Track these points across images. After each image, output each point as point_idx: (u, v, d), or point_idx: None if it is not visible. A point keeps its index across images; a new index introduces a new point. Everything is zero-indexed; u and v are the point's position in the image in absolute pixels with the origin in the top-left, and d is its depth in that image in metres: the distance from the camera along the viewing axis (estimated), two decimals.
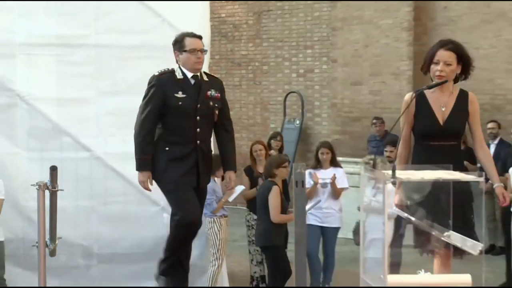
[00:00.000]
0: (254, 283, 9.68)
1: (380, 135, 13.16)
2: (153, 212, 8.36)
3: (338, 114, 15.31)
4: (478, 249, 4.36)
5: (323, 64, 16.12)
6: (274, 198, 8.52)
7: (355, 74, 14.95)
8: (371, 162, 8.48)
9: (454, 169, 4.85)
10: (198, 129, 6.14)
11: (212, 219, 8.55)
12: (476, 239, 4.72)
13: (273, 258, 8.58)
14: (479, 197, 4.73)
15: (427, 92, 5.22)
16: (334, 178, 9.16)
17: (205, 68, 8.78)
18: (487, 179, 11.82)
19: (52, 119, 8.17)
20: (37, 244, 6.94)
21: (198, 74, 6.32)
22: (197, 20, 8.69)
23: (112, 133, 8.27)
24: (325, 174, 9.27)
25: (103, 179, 8.21)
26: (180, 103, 6.13)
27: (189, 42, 6.33)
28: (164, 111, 6.23)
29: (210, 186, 8.50)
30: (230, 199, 8.91)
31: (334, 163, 9.46)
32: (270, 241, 8.58)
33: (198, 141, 6.15)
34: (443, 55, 5.14)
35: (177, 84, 6.20)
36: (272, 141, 11.16)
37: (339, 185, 9.25)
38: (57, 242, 6.95)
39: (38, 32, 8.15)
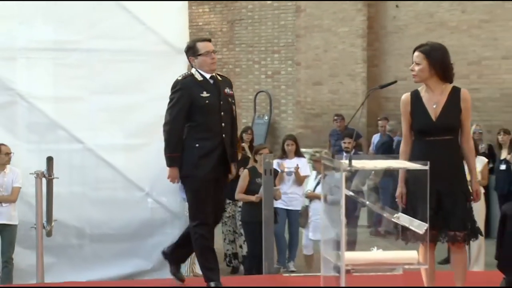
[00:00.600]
0: (227, 259, 9.67)
1: (341, 130, 13.16)
2: (138, 197, 8.32)
3: (302, 110, 15.32)
4: (424, 229, 4.34)
5: (289, 66, 16.11)
6: (241, 180, 8.73)
7: (316, 76, 14.95)
8: (317, 155, 8.56)
9: (450, 162, 4.81)
10: (223, 124, 5.88)
11: None
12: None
13: (252, 232, 8.55)
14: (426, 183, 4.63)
15: (421, 92, 5.10)
16: (297, 167, 9.18)
17: (183, 70, 8.77)
18: None
19: (49, 115, 8.09)
20: (35, 226, 6.89)
21: (214, 74, 6.08)
22: (177, 28, 8.66)
23: (102, 127, 8.22)
24: (290, 163, 9.28)
25: (94, 168, 8.16)
26: (207, 101, 5.87)
27: (201, 46, 6.03)
28: (192, 111, 5.92)
29: None
30: None
31: (298, 154, 9.52)
32: (248, 218, 8.60)
33: (223, 135, 5.89)
34: (414, 55, 5.05)
35: (199, 85, 5.93)
36: (243, 134, 11.14)
37: (302, 173, 9.27)
38: (53, 224, 6.90)
39: (36, 38, 8.05)
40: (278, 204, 8.88)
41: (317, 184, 8.70)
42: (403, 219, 4.54)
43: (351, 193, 4.74)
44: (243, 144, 10.57)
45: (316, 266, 8.56)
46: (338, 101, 14.31)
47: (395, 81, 5.51)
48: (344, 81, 14.29)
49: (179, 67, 8.63)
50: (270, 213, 7.33)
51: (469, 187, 4.99)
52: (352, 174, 4.74)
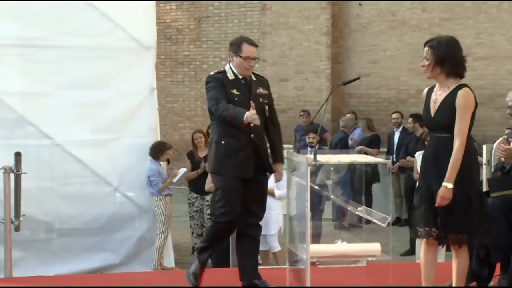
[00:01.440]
0: (195, 253, 9.64)
1: (306, 125, 13.18)
2: (106, 192, 8.28)
3: None
4: (386, 221, 4.36)
5: (255, 63, 16.08)
6: None
7: (282, 72, 14.96)
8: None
9: (445, 160, 4.60)
10: (251, 124, 5.45)
11: (158, 198, 8.46)
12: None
13: None
14: (388, 176, 4.66)
15: (436, 87, 4.85)
16: None
17: (151, 66, 8.72)
18: (394, 162, 11.93)
19: (17, 110, 8.00)
20: (3, 221, 6.80)
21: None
22: (145, 24, 8.62)
23: (71, 123, 8.16)
24: None
25: (62, 163, 8.09)
26: (236, 99, 5.56)
27: (246, 50, 5.67)
28: None
29: (156, 168, 8.45)
30: (174, 180, 8.85)
31: None
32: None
33: (252, 135, 5.51)
34: (424, 50, 4.79)
35: (230, 83, 5.64)
36: (209, 130, 11.12)
37: None
38: (21, 218, 6.81)
39: (3, 35, 7.96)
40: None
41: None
42: (366, 212, 4.56)
43: (316, 187, 4.74)
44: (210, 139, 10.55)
45: (272, 261, 8.60)
46: (304, 97, 14.35)
47: (358, 78, 5.54)
48: (309, 78, 14.33)
49: (147, 63, 8.63)
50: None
51: (473, 190, 4.71)
52: (317, 169, 4.75)
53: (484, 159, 7.33)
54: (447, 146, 4.67)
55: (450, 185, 4.55)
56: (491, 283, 5.66)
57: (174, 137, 16.13)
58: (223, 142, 5.55)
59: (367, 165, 4.64)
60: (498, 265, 5.65)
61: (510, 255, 5.33)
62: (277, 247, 8.36)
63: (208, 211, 9.32)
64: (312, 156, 4.38)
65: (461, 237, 4.70)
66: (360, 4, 14.26)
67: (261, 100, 5.63)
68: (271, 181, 8.38)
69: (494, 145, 6.05)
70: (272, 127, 5.77)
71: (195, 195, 9.53)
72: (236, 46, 5.70)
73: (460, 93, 4.70)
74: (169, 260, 8.65)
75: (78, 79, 8.18)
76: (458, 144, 4.62)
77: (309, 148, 8.64)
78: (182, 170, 9.09)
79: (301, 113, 13.49)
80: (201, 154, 9.62)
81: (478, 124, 13.88)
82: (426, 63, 4.74)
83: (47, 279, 6.70)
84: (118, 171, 8.34)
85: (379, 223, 4.38)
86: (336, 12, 14.44)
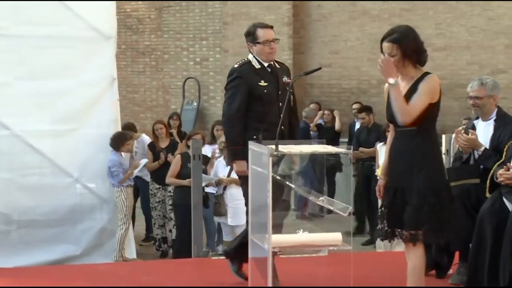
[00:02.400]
0: (157, 244, 9.61)
1: None
2: (67, 183, 8.19)
3: None
4: (347, 211, 4.37)
5: (217, 53, 16.03)
6: (173, 164, 8.86)
7: None
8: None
9: (409, 155, 4.47)
10: (281, 115, 5.24)
11: (119, 189, 8.39)
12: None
13: (183, 215, 8.50)
14: (349, 166, 4.64)
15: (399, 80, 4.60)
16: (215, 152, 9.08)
17: (112, 56, 8.62)
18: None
19: None
20: None
21: (272, 62, 5.60)
22: (105, 14, 8.53)
23: (30, 113, 8.05)
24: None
25: (21, 154, 7.98)
26: (265, 90, 5.42)
27: (261, 34, 5.53)
28: (250, 100, 5.44)
29: (116, 159, 8.39)
30: (135, 171, 8.80)
31: None
32: (179, 200, 8.67)
33: (282, 127, 5.17)
34: (384, 46, 4.57)
35: (257, 73, 5.48)
36: (170, 120, 11.10)
37: None
38: None
39: None
40: (208, 189, 8.84)
41: (231, 170, 8.57)
42: (328, 202, 4.57)
43: (278, 177, 4.74)
44: (172, 130, 10.51)
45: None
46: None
47: (320, 68, 5.53)
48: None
49: (107, 53, 8.54)
50: (199, 198, 7.31)
51: (431, 183, 4.53)
52: (279, 159, 4.74)
53: (443, 149, 7.41)
54: (412, 139, 4.54)
55: (392, 81, 4.48)
56: (450, 271, 5.74)
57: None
58: (255, 136, 5.34)
59: (329, 155, 4.62)
60: (457, 254, 5.73)
61: (469, 243, 5.39)
62: None
63: (170, 202, 9.29)
64: (273, 146, 4.37)
65: (414, 234, 4.55)
66: None
67: (287, 89, 5.43)
68: None
69: (453, 135, 6.10)
70: (293, 118, 5.63)
71: (157, 186, 9.49)
72: (251, 35, 5.58)
73: (427, 78, 4.55)
74: (131, 251, 8.60)
75: (37, 69, 8.06)
76: (402, 118, 4.47)
77: None
78: (143, 161, 9.05)
79: None
80: (162, 144, 9.58)
81: None
82: (393, 59, 4.53)
83: (5, 271, 6.62)
84: (79, 162, 8.25)
85: (340, 213, 4.39)
86: (297, 2, 14.46)
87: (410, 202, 4.51)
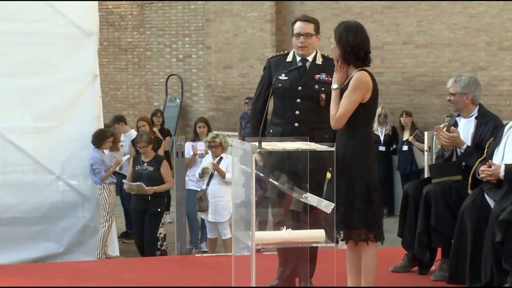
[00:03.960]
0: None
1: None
2: (48, 180, 8.13)
3: (213, 94, 15.26)
4: (331, 208, 4.37)
5: (199, 50, 16.00)
6: (129, 167, 8.82)
7: (226, 59, 14.91)
8: (216, 140, 8.51)
9: (345, 152, 4.49)
10: (297, 112, 5.14)
11: (102, 186, 8.33)
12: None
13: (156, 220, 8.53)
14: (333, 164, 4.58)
15: None
16: (206, 151, 9.04)
17: (94, 53, 8.56)
18: None
19: None
20: None
21: (310, 57, 5.31)
22: (87, 10, 8.46)
23: (10, 110, 7.97)
24: (202, 145, 9.18)
25: (2, 151, 7.90)
26: (280, 85, 5.20)
27: (296, 26, 5.27)
28: (273, 93, 5.24)
29: (98, 157, 8.34)
30: (117, 168, 8.76)
31: None
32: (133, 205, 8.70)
33: (296, 124, 5.12)
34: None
35: (284, 66, 5.28)
36: (154, 117, 11.07)
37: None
38: None
39: None
40: (190, 186, 8.81)
41: (220, 160, 8.56)
42: (311, 199, 4.56)
43: (261, 174, 4.73)
44: (154, 128, 10.48)
45: (219, 248, 8.59)
46: (248, 85, 14.32)
47: (302, 65, 5.47)
48: (254, 65, 14.30)
49: (89, 50, 8.47)
50: (182, 195, 7.28)
51: (365, 180, 4.57)
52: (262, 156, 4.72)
53: (426, 146, 7.44)
54: (342, 136, 4.61)
55: (335, 86, 4.60)
56: (433, 268, 5.75)
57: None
58: (271, 130, 5.30)
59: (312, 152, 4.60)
60: (439, 250, 5.74)
61: (451, 239, 5.42)
62: (227, 234, 8.35)
63: None
64: (257, 143, 4.35)
65: (349, 232, 4.61)
66: None
67: (316, 86, 5.21)
68: (225, 164, 8.41)
69: (435, 133, 6.11)
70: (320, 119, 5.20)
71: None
72: (292, 27, 5.38)
73: (355, 75, 4.55)
74: (113, 249, 8.55)
75: (17, 65, 7.98)
76: (332, 121, 4.57)
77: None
78: (125, 158, 9.01)
79: (246, 100, 13.47)
80: None
81: (419, 111, 14.20)
82: (335, 56, 4.62)
83: None
84: (60, 159, 8.19)
85: (324, 209, 4.39)
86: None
87: (344, 199, 4.52)
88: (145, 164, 8.48)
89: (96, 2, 8.67)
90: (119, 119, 10.06)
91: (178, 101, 15.98)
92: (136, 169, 8.50)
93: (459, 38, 12.65)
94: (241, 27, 14.73)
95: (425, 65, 12.91)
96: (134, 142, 9.68)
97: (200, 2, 15.66)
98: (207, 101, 15.57)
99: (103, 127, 8.70)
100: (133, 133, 10.10)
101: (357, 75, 4.56)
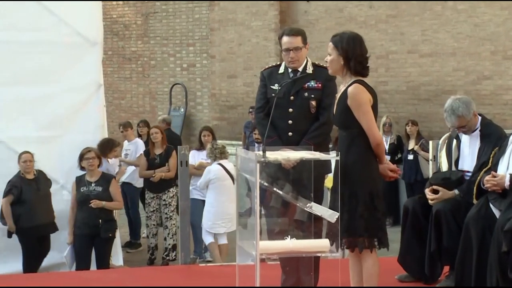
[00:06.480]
0: (150, 252, 9.53)
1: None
2: (53, 190, 8.14)
3: (217, 103, 15.27)
4: (335, 218, 4.36)
5: (203, 59, 16.02)
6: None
7: (230, 69, 14.93)
8: (215, 146, 8.56)
9: (346, 159, 4.49)
10: (290, 121, 5.23)
11: None
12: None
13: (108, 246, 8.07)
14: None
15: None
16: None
17: (98, 62, 8.59)
18: None
19: None
20: None
21: (301, 68, 5.40)
22: (91, 20, 8.50)
23: (15, 119, 8.00)
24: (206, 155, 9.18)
25: (6, 160, 7.93)
26: (273, 94, 5.27)
27: (283, 41, 5.35)
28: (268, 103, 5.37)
29: (103, 166, 8.33)
30: (122, 179, 8.76)
31: None
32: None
33: (290, 133, 5.20)
34: (328, 45, 4.69)
35: (275, 77, 5.42)
36: (138, 128, 11.15)
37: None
38: None
39: None
40: (194, 195, 8.81)
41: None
42: (316, 209, 4.56)
43: (265, 184, 4.72)
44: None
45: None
46: (252, 94, 14.32)
47: (306, 74, 5.47)
48: (258, 74, 14.30)
49: (93, 59, 8.51)
50: (186, 204, 7.28)
51: (369, 188, 4.55)
52: (266, 165, 4.72)
53: (430, 155, 7.41)
54: (344, 144, 4.62)
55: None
56: (440, 279, 5.73)
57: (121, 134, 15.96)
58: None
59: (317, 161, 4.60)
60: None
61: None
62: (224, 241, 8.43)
63: (166, 210, 9.25)
64: (261, 153, 4.35)
65: (353, 241, 4.57)
66: (308, 1, 14.32)
67: (306, 94, 5.30)
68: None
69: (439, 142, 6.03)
70: (316, 123, 5.31)
71: (152, 195, 9.40)
72: (279, 41, 5.44)
73: (349, 91, 4.59)
74: (118, 259, 8.55)
75: (22, 74, 8.03)
76: (373, 140, 4.56)
77: (256, 144, 8.60)
78: (130, 169, 9.00)
79: (250, 109, 13.47)
80: (157, 151, 9.46)
81: (424, 120, 14.15)
82: (329, 58, 4.67)
83: None
84: (65, 168, 8.20)
85: (328, 219, 4.38)
86: (284, 8, 14.47)
87: (348, 208, 4.51)
88: (93, 185, 7.78)
89: (101, 11, 8.71)
90: (126, 126, 10.09)
91: (182, 110, 15.99)
92: (82, 191, 7.76)
93: (464, 47, 12.65)
94: (245, 36, 14.75)
95: (430, 74, 12.91)
96: (145, 153, 9.60)
97: (204, 12, 15.70)
98: (211, 110, 15.58)
99: (107, 136, 8.72)
100: (139, 141, 10.11)
101: (351, 93, 4.58)
